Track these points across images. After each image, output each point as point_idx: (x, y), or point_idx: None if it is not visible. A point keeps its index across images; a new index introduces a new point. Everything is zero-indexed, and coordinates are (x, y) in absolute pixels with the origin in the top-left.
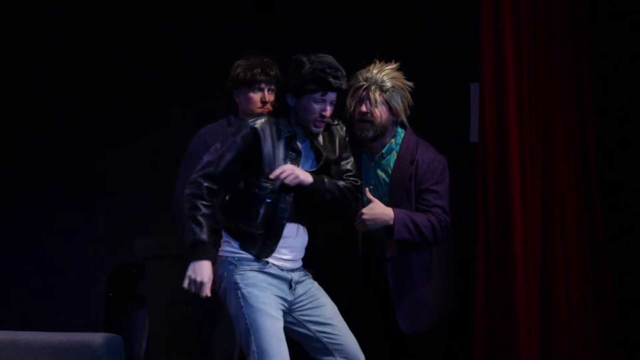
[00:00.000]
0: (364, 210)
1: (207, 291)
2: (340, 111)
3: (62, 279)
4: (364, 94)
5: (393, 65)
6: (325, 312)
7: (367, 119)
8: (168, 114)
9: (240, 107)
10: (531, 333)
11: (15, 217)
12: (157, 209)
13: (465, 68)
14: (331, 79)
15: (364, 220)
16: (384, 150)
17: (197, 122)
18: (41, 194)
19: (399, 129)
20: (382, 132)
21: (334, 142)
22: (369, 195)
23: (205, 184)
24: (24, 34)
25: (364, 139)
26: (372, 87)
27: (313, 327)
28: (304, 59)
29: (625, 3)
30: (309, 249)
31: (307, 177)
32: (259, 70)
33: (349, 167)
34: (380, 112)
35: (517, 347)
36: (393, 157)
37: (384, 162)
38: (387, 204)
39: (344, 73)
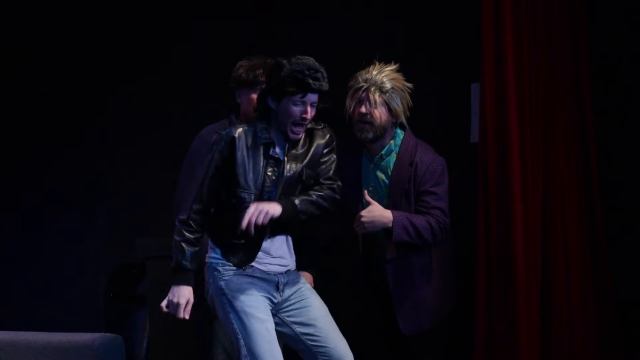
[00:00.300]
0: (363, 212)
1: (183, 313)
2: (339, 112)
3: (62, 279)
4: (363, 95)
5: (393, 67)
6: (310, 313)
7: (366, 120)
8: (168, 114)
9: (242, 108)
10: (532, 333)
11: (16, 217)
12: (157, 209)
13: (466, 68)
14: (310, 80)
15: (362, 223)
16: (383, 152)
17: (198, 122)
18: (41, 194)
19: (398, 131)
20: (382, 134)
21: (309, 148)
22: (368, 198)
23: (194, 207)
24: (24, 33)
25: (363, 140)
26: (372, 89)
27: (297, 329)
28: (284, 61)
29: (625, 3)
30: (308, 250)
31: (275, 209)
32: (261, 71)
33: (327, 167)
34: (380, 114)
35: (517, 347)
36: (392, 158)
37: (383, 163)
38: (387, 206)
39: (325, 74)
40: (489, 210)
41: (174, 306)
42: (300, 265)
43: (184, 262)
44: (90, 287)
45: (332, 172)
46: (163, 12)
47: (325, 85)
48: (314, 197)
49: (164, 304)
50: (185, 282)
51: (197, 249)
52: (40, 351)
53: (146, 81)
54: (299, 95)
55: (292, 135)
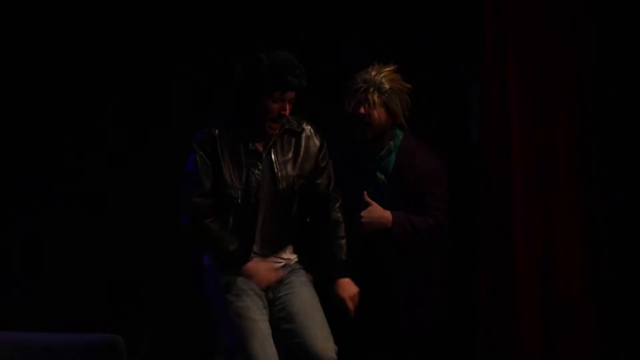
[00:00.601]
0: (363, 213)
1: (273, 277)
2: (338, 112)
3: (63, 278)
4: (362, 96)
5: (392, 67)
6: (293, 307)
7: (365, 121)
8: (169, 113)
9: None
10: (532, 333)
11: (15, 217)
12: (158, 208)
13: (466, 68)
14: (290, 78)
15: (362, 224)
16: (382, 153)
17: (200, 122)
18: (41, 193)
19: (398, 131)
20: (381, 134)
21: (297, 153)
22: (367, 199)
23: (195, 201)
24: (23, 33)
25: (362, 141)
26: (371, 89)
27: (282, 324)
28: (262, 56)
29: (625, 3)
30: (307, 250)
31: (353, 287)
32: None
33: (328, 176)
34: (379, 114)
35: (518, 347)
36: (392, 159)
37: (383, 164)
38: (386, 207)
39: (304, 70)
40: (490, 211)
41: (262, 278)
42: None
43: (230, 247)
44: (91, 287)
45: (333, 182)
46: (163, 11)
47: (304, 82)
48: (344, 233)
49: (254, 285)
50: (246, 259)
51: (226, 232)
52: (41, 351)
53: (147, 81)
54: (278, 92)
55: (269, 131)
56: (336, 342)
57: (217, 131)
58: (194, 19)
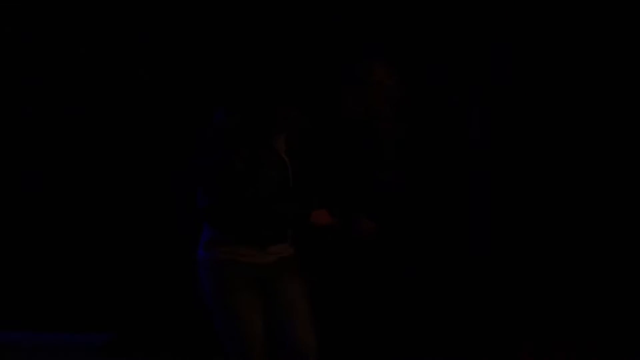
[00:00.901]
0: (362, 216)
1: (330, 219)
2: (337, 113)
3: (62, 278)
4: (344, 90)
5: (379, 63)
6: (278, 298)
7: (349, 116)
8: (169, 114)
9: None
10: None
11: (15, 216)
12: (158, 207)
13: (467, 68)
14: (299, 91)
15: (361, 226)
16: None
17: (199, 122)
18: (41, 192)
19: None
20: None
21: (298, 148)
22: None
23: (240, 167)
24: (23, 33)
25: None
26: (352, 83)
27: (269, 314)
28: (275, 61)
29: (624, 4)
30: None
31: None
32: None
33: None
34: (358, 108)
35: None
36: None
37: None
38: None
39: (304, 76)
40: (490, 211)
41: (323, 220)
42: None
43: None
44: (91, 286)
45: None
46: (165, 11)
47: (304, 90)
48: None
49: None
50: (307, 209)
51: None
52: (41, 351)
53: (147, 81)
54: (284, 100)
55: (273, 129)
56: (335, 342)
57: (228, 124)
58: (194, 19)
